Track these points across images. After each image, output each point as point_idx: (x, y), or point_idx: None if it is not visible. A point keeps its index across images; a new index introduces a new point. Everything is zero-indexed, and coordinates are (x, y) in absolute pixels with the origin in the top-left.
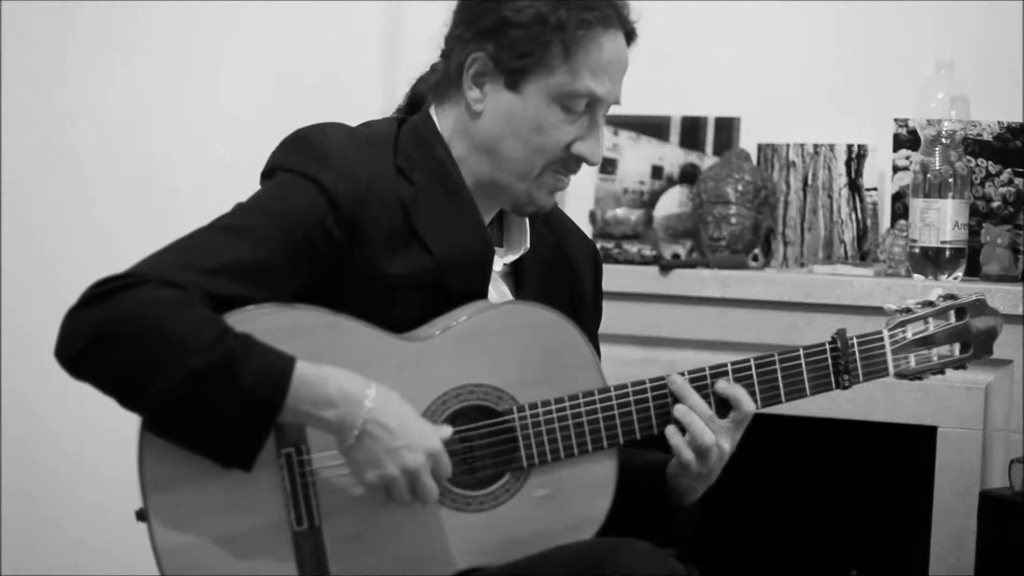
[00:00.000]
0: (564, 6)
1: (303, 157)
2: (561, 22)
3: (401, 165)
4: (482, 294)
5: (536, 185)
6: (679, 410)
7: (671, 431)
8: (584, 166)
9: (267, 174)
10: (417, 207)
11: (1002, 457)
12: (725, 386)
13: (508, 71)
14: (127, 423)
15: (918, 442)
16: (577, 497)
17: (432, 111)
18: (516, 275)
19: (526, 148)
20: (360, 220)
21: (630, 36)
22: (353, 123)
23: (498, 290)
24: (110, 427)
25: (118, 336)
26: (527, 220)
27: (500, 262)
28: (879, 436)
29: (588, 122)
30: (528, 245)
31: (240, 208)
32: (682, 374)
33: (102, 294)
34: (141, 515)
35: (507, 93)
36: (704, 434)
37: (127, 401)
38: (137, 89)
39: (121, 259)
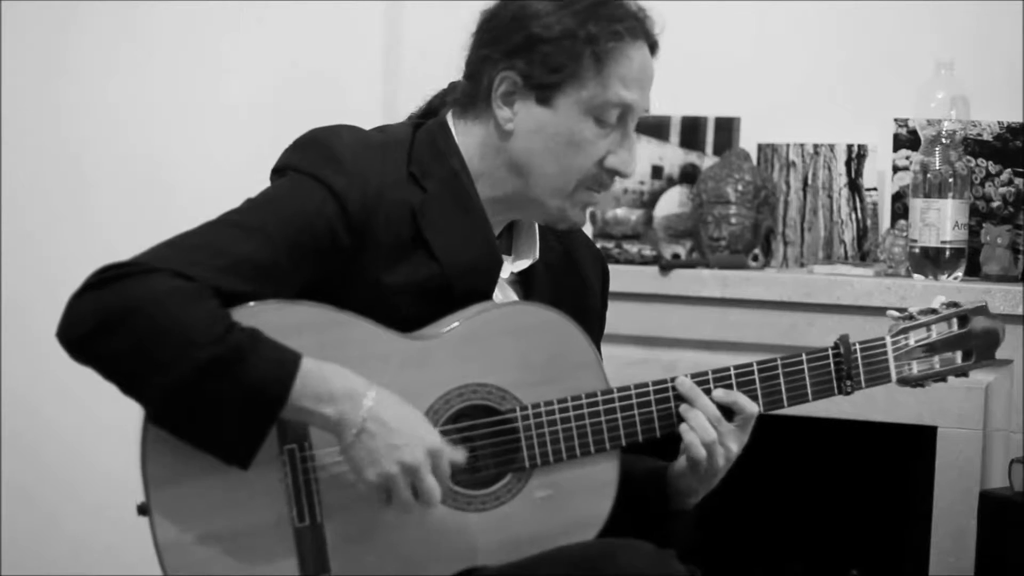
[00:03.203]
0: (592, 20)
1: (317, 159)
2: (591, 35)
3: (414, 171)
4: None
5: (570, 202)
6: (684, 408)
7: (684, 428)
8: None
9: (278, 171)
10: (426, 214)
11: (1002, 457)
12: (723, 395)
13: (540, 87)
14: (128, 421)
15: (918, 442)
16: (579, 498)
17: (450, 120)
18: (525, 283)
19: (560, 164)
20: (369, 226)
21: (653, 48)
22: (352, 123)
23: (506, 297)
24: (110, 426)
25: (126, 322)
26: (536, 229)
27: (508, 270)
28: (879, 436)
29: (620, 135)
30: (537, 255)
31: (250, 204)
32: (685, 376)
33: (110, 279)
34: (143, 509)
35: (539, 109)
36: (705, 430)
37: (129, 388)
38: (138, 88)
39: (122, 257)
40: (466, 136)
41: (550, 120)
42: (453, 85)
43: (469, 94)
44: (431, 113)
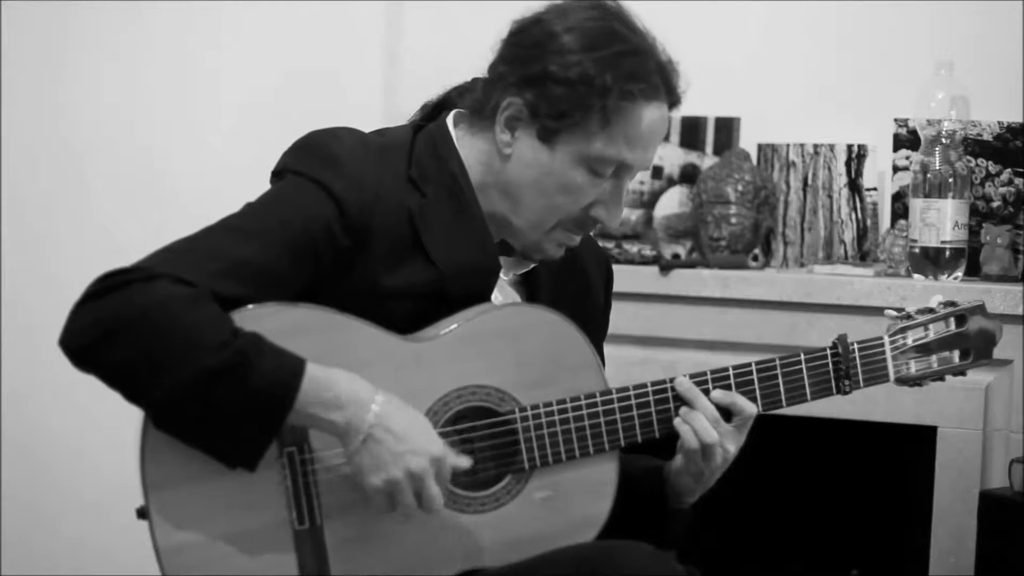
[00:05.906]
0: (612, 71)
1: (315, 162)
2: (606, 88)
3: (413, 175)
4: None
5: (547, 238)
6: (684, 410)
7: (679, 421)
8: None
9: (277, 174)
10: (425, 219)
11: (1002, 457)
12: (721, 395)
13: (543, 124)
14: (127, 423)
15: (918, 442)
16: (578, 499)
17: (450, 123)
18: (528, 285)
19: (546, 203)
20: (367, 229)
21: (674, 104)
22: (352, 122)
23: (508, 299)
24: (110, 427)
25: (129, 330)
26: None
27: (511, 273)
28: (879, 436)
29: (612, 187)
30: None
31: (249, 209)
32: (684, 377)
33: (112, 287)
34: (142, 513)
35: (538, 144)
36: (706, 431)
37: (133, 396)
38: (137, 87)
39: (122, 257)
40: (469, 148)
41: (546, 159)
42: (475, 81)
43: (479, 103)
44: (444, 104)
